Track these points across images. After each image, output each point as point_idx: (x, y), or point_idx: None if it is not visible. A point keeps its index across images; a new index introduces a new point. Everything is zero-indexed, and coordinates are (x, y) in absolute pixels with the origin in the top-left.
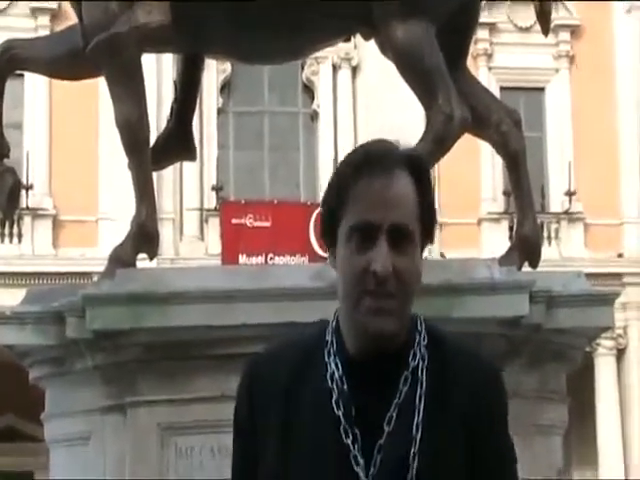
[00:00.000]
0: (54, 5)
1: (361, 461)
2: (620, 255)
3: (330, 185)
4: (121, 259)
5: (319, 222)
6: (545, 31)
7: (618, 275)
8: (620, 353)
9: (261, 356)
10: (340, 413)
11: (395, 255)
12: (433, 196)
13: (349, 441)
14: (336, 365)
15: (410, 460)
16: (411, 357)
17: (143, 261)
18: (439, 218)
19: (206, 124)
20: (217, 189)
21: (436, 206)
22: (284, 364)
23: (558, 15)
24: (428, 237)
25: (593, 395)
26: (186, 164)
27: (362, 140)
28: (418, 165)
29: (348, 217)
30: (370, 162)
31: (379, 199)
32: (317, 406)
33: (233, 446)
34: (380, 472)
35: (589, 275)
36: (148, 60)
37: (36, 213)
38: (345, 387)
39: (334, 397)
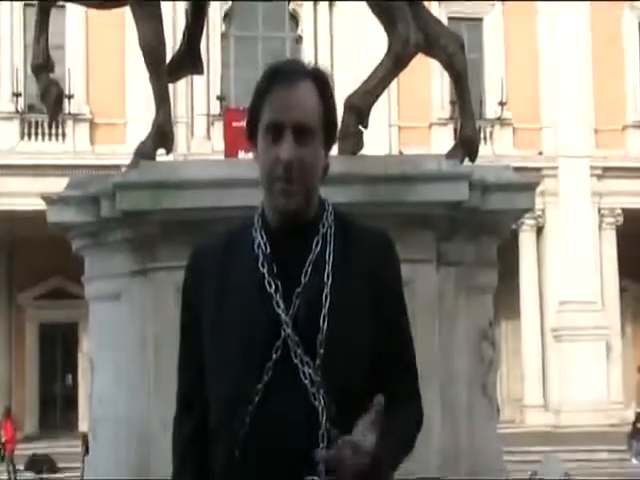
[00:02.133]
0: None
1: (282, 305)
2: (540, 153)
3: (253, 95)
4: (144, 153)
5: (246, 125)
6: None
7: (538, 169)
8: (539, 230)
9: (202, 240)
10: (265, 270)
11: (299, 148)
12: (334, 105)
13: (272, 290)
14: (261, 236)
15: (323, 300)
16: (321, 226)
17: (161, 156)
18: (398, 122)
19: (212, 46)
20: (221, 98)
21: (392, 113)
22: (221, 242)
23: None
24: (331, 136)
25: (517, 262)
26: (196, 78)
27: (337, 60)
28: (322, 77)
29: (263, 119)
30: (279, 74)
31: (285, 103)
32: (246, 267)
33: (181, 315)
34: (299, 312)
35: (516, 168)
36: None
37: (76, 117)
38: (268, 251)
39: (260, 259)
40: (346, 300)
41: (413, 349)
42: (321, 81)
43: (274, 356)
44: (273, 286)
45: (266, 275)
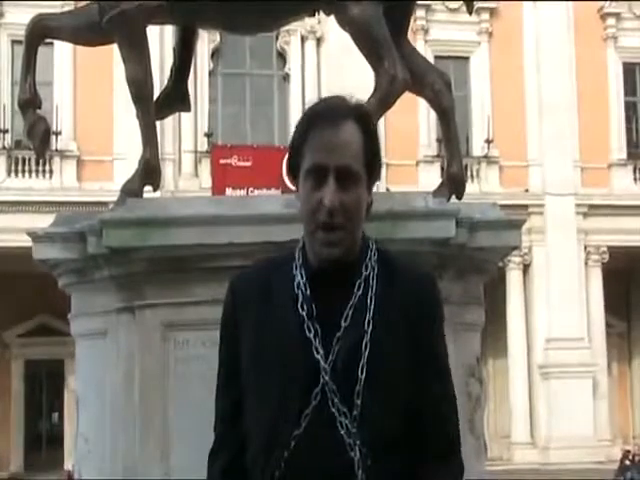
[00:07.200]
0: None
1: (321, 351)
2: (526, 190)
3: (293, 134)
4: (131, 190)
5: (286, 163)
6: (469, 11)
7: (525, 206)
8: (526, 268)
9: (244, 271)
10: (304, 313)
11: (342, 192)
12: (378, 142)
13: (311, 335)
14: (301, 275)
15: (362, 348)
16: (364, 268)
17: (149, 192)
18: (385, 160)
19: (199, 83)
20: (208, 135)
21: (382, 150)
22: (260, 276)
23: None
24: (375, 176)
25: (504, 300)
26: (183, 115)
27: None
28: (364, 116)
29: (305, 162)
30: (321, 115)
31: (328, 145)
32: (285, 308)
33: (220, 338)
34: (337, 359)
35: (502, 206)
36: (153, 31)
37: (63, 154)
38: (308, 292)
39: (299, 301)
40: (386, 349)
41: (453, 400)
42: (363, 119)
43: (313, 403)
44: (312, 331)
45: (305, 319)
